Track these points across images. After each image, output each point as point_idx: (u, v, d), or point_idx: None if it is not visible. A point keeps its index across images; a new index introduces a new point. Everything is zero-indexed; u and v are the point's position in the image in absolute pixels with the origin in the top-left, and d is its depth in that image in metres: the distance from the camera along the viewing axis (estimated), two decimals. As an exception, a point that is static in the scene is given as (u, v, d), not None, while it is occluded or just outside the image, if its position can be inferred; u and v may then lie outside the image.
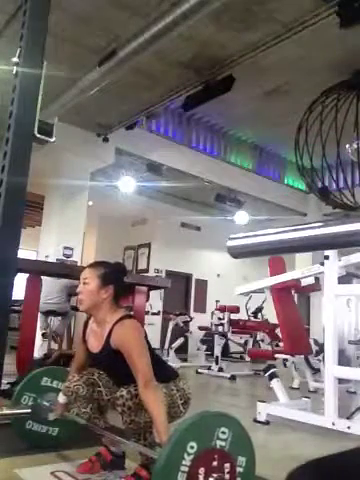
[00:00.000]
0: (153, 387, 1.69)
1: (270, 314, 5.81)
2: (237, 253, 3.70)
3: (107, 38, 4.86)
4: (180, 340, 7.48)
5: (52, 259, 6.69)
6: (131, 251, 10.83)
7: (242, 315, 7.84)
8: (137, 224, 10.53)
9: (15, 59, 2.42)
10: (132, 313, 2.11)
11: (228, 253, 3.63)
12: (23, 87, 2.37)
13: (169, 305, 9.53)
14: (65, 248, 7.02)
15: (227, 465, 1.51)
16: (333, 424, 2.84)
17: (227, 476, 1.50)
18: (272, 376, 3.59)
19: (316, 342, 5.43)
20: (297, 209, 9.86)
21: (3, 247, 2.20)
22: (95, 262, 2.00)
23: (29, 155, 2.33)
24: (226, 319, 7.24)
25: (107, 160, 7.43)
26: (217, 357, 6.67)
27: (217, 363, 6.58)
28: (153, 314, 8.41)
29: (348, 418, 2.91)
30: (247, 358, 8.29)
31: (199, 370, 6.53)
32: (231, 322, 7.30)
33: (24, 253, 7.85)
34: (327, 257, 3.14)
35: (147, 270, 10.18)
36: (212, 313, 8.15)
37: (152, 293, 4.99)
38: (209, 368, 6.63)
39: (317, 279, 4.49)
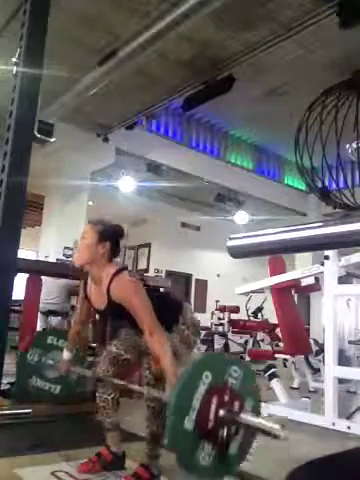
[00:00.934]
0: (158, 335, 1.74)
1: (270, 314, 5.81)
2: (237, 253, 3.70)
3: (107, 38, 4.86)
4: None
5: (52, 259, 6.68)
6: (131, 251, 10.84)
7: (242, 315, 7.85)
8: (137, 224, 10.53)
9: (15, 59, 2.42)
10: (126, 265, 2.17)
11: (228, 253, 3.63)
12: (23, 87, 2.37)
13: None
14: (65, 248, 7.01)
15: (237, 403, 1.60)
16: (333, 424, 2.84)
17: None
18: (272, 376, 3.59)
19: (316, 342, 5.43)
20: (297, 209, 9.85)
21: (3, 247, 2.21)
22: (96, 219, 2.04)
23: (29, 155, 2.34)
24: (226, 319, 7.25)
25: (107, 160, 7.42)
26: (217, 357, 6.66)
27: (217, 363, 6.57)
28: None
29: (348, 418, 2.91)
30: (247, 358, 8.28)
31: (199, 370, 6.52)
32: (231, 322, 7.31)
33: (24, 253, 7.85)
34: (327, 257, 3.14)
35: (147, 270, 10.17)
36: (212, 313, 8.15)
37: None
38: (209, 368, 6.62)
39: (317, 279, 4.48)
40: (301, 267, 4.75)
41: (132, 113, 6.72)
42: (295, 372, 5.34)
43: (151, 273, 9.90)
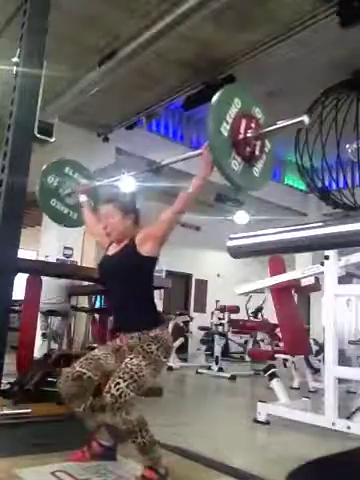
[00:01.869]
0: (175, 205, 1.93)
1: (270, 314, 5.81)
2: (237, 253, 3.71)
3: (107, 38, 4.86)
4: (180, 340, 7.48)
5: (52, 259, 6.68)
6: (131, 251, 10.82)
7: (242, 315, 7.84)
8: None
9: (15, 59, 2.42)
10: None
11: (228, 253, 3.63)
12: (23, 87, 2.37)
13: (169, 305, 9.53)
14: (65, 248, 7.01)
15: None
16: (333, 424, 2.84)
17: (259, 143, 1.96)
18: (272, 376, 3.59)
19: (316, 342, 5.43)
20: (297, 209, 9.85)
21: (3, 247, 2.21)
22: (111, 197, 2.13)
23: (29, 155, 2.34)
24: (226, 319, 7.24)
25: (107, 160, 7.42)
26: (217, 357, 6.67)
27: (217, 363, 6.58)
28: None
29: (348, 418, 2.91)
30: (247, 358, 8.29)
31: (199, 370, 6.53)
32: (231, 322, 7.30)
33: (24, 253, 7.85)
34: (327, 257, 3.14)
35: (147, 270, 10.15)
36: (212, 313, 8.15)
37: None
38: (209, 368, 6.63)
39: (317, 279, 4.49)
40: (301, 267, 4.75)
41: (132, 113, 6.72)
42: (295, 372, 5.34)
43: (151, 273, 9.88)
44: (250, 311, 8.06)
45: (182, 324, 7.95)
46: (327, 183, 6.84)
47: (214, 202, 9.03)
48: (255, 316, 7.88)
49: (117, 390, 1.69)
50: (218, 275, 11.17)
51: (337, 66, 5.65)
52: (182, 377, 6.26)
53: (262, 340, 7.90)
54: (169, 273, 10.06)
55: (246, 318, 7.88)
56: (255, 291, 4.92)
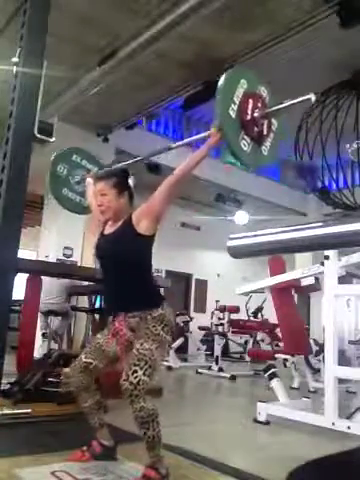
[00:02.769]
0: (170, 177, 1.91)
1: (270, 314, 5.81)
2: (237, 253, 3.70)
3: (107, 38, 4.86)
4: (180, 340, 7.48)
5: (52, 259, 6.68)
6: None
7: (242, 315, 7.84)
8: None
9: (15, 59, 2.42)
10: None
11: (228, 253, 3.63)
12: (23, 87, 2.37)
13: (169, 305, 9.52)
14: (65, 248, 7.01)
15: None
16: (333, 424, 2.84)
17: (266, 122, 2.06)
18: (272, 376, 3.59)
19: (316, 342, 5.43)
20: (297, 209, 9.85)
21: (3, 247, 2.21)
22: (105, 174, 2.11)
23: (29, 155, 2.34)
24: (226, 319, 7.23)
25: (107, 160, 7.40)
26: (217, 357, 6.67)
27: (217, 363, 6.58)
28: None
29: (348, 418, 2.91)
30: (247, 358, 8.28)
31: (199, 370, 6.53)
32: (231, 322, 7.30)
33: (24, 253, 7.85)
34: (327, 257, 3.14)
35: (147, 270, 10.15)
36: (212, 313, 8.14)
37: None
38: (209, 368, 6.63)
39: (317, 279, 4.49)
40: (301, 267, 4.75)
41: (132, 113, 6.72)
42: (295, 372, 5.34)
43: (151, 273, 9.88)
44: (250, 311, 8.06)
45: (182, 324, 7.95)
46: (327, 183, 6.85)
47: (214, 202, 9.03)
48: (255, 316, 7.88)
49: (135, 378, 1.73)
50: (218, 275, 11.17)
51: (337, 66, 5.65)
52: (182, 377, 6.26)
53: (262, 340, 7.89)
54: (169, 273, 10.06)
55: (246, 318, 7.88)
56: (255, 291, 4.92)
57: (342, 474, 0.79)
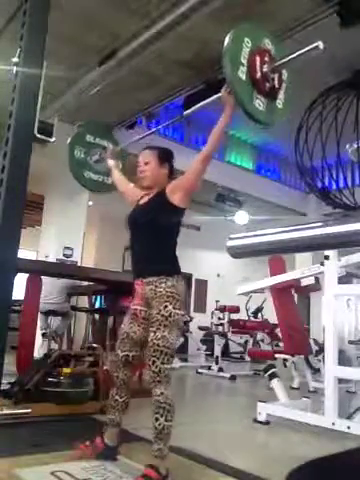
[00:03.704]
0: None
1: (270, 314, 5.81)
2: (237, 253, 3.70)
3: (107, 38, 4.86)
4: (180, 340, 7.48)
5: (52, 259, 6.68)
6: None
7: (242, 315, 7.84)
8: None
9: (15, 59, 2.42)
10: None
11: (228, 253, 3.63)
12: (23, 87, 2.37)
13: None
14: (65, 248, 7.01)
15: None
16: (333, 424, 2.84)
17: (276, 75, 2.04)
18: (272, 376, 3.59)
19: (316, 342, 5.43)
20: (297, 209, 9.85)
21: (3, 247, 2.20)
22: (149, 146, 2.24)
23: (29, 155, 2.34)
24: (226, 319, 7.24)
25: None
26: (217, 357, 6.67)
27: (217, 363, 6.58)
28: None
29: (348, 418, 2.91)
30: (247, 358, 8.29)
31: (199, 370, 6.53)
32: (231, 322, 7.30)
33: (24, 253, 7.85)
34: (327, 257, 3.14)
35: (147, 270, 10.15)
36: (212, 313, 8.15)
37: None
38: (209, 368, 6.63)
39: (317, 279, 4.49)
40: (301, 267, 4.75)
41: (132, 113, 6.71)
42: (295, 372, 5.34)
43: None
44: (250, 311, 8.06)
45: (182, 324, 7.94)
46: (327, 183, 6.85)
47: (214, 202, 9.03)
48: (255, 316, 7.88)
49: (156, 367, 1.88)
50: (218, 275, 11.17)
51: (337, 66, 5.65)
52: (182, 377, 6.26)
53: (262, 340, 7.90)
54: (169, 273, 10.06)
55: (246, 318, 7.88)
56: (255, 291, 4.92)
57: (342, 474, 0.80)
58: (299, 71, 6.01)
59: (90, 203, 7.93)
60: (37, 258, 7.32)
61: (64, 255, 6.95)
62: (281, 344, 5.75)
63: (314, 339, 5.59)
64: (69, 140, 2.89)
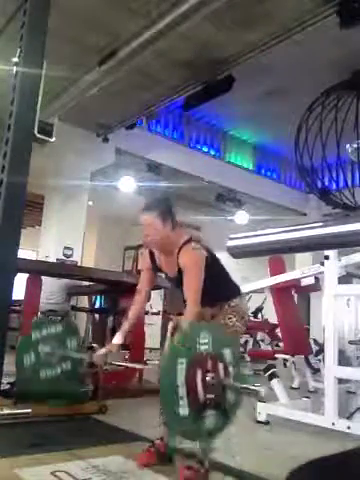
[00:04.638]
0: (194, 306, 2.10)
1: (270, 314, 5.81)
2: (237, 253, 3.70)
3: (107, 38, 4.86)
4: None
5: (52, 259, 6.68)
6: (131, 251, 10.82)
7: (242, 315, 7.83)
8: (137, 224, 10.46)
9: (15, 59, 2.42)
10: (196, 234, 2.45)
11: (228, 253, 3.63)
12: (23, 87, 2.37)
13: (169, 305, 9.52)
14: (65, 248, 7.01)
15: (221, 365, 1.75)
16: (333, 424, 2.84)
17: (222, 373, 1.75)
18: (272, 376, 3.59)
19: (316, 342, 5.43)
20: (297, 209, 9.85)
21: (3, 247, 2.20)
22: (146, 206, 2.22)
23: (29, 155, 2.34)
24: (226, 319, 7.22)
25: (107, 160, 7.42)
26: (217, 357, 6.65)
27: (217, 363, 6.56)
28: (153, 314, 8.39)
29: (348, 418, 2.91)
30: (247, 358, 8.28)
31: (199, 370, 6.51)
32: (231, 322, 7.29)
33: (24, 253, 7.84)
34: (327, 257, 3.14)
35: (147, 270, 10.14)
36: (212, 313, 8.13)
37: (152, 293, 4.97)
38: (209, 368, 6.61)
39: (317, 279, 4.49)
40: (301, 267, 4.74)
41: (132, 113, 6.71)
42: (295, 372, 5.34)
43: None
44: (250, 311, 8.06)
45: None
46: (327, 183, 6.85)
47: (214, 202, 9.03)
48: (255, 316, 7.88)
49: (231, 322, 2.10)
50: (218, 275, 11.16)
51: (337, 66, 5.65)
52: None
53: (262, 340, 7.90)
54: (169, 273, 10.06)
55: (246, 318, 7.87)
56: (255, 291, 4.92)
57: (342, 474, 0.79)
58: (299, 71, 6.05)
59: (90, 203, 7.93)
60: (37, 258, 7.32)
61: (64, 255, 6.95)
62: (281, 344, 5.75)
63: (314, 339, 5.59)
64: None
